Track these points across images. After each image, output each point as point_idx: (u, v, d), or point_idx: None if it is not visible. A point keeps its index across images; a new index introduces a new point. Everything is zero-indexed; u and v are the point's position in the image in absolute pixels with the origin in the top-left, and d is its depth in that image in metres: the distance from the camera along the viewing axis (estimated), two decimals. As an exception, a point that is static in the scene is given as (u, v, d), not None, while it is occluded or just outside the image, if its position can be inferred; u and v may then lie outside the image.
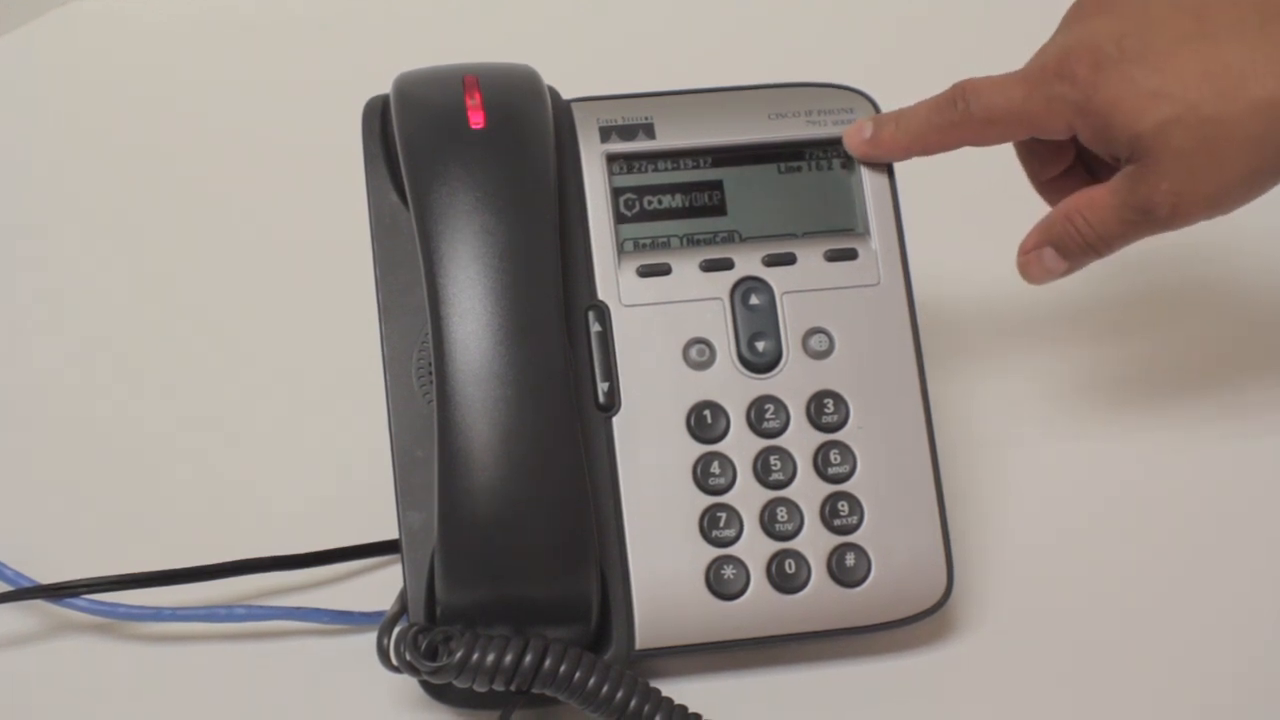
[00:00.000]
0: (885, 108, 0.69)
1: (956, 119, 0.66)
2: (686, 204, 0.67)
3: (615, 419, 0.65)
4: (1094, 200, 0.66)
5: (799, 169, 0.68)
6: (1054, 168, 0.70)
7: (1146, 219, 0.65)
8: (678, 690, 0.64)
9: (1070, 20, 0.67)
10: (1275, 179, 0.64)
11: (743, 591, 0.65)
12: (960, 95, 0.66)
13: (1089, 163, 0.69)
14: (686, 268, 0.67)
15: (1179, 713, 0.67)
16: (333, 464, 0.74)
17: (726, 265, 0.67)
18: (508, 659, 0.61)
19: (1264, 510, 0.73)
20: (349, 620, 0.68)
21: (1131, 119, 0.63)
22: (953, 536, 0.66)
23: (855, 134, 0.67)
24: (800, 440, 0.66)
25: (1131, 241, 0.66)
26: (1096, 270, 0.81)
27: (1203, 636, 0.69)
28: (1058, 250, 0.67)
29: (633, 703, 0.62)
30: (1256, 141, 0.63)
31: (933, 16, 0.94)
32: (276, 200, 0.86)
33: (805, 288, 0.67)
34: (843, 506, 0.65)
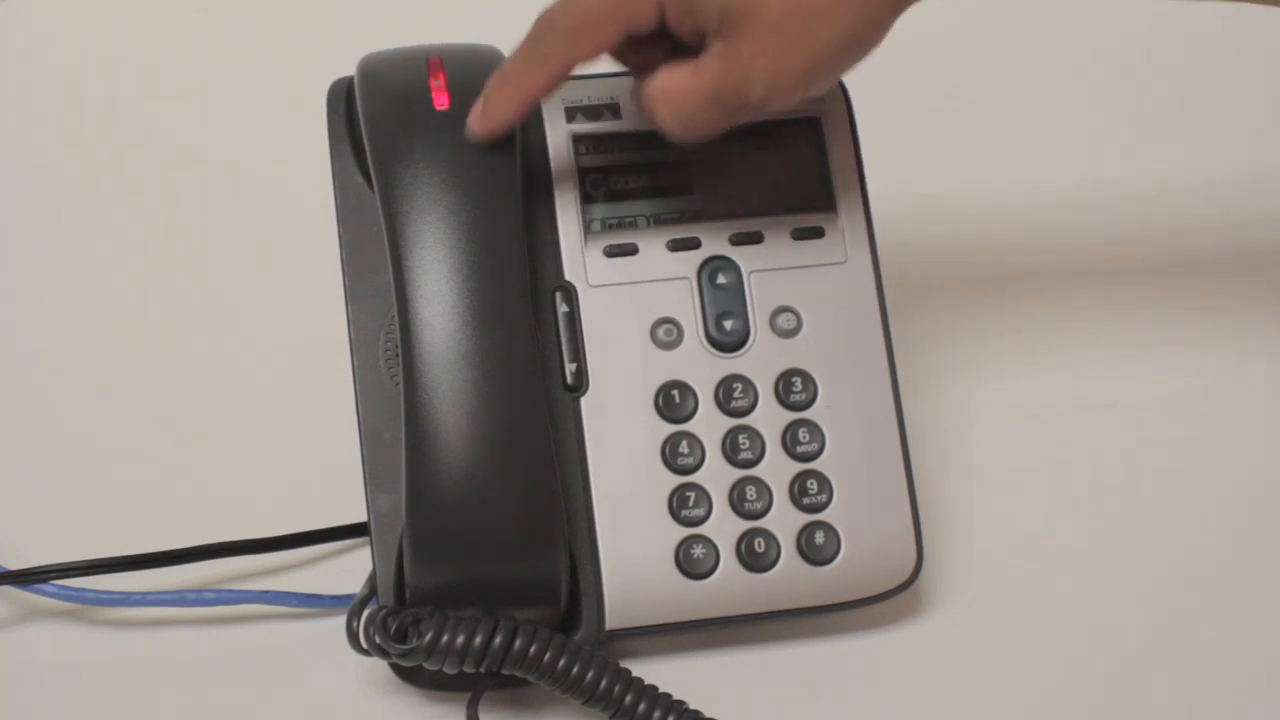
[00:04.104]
0: (855, 90, 0.69)
1: (549, 49, 0.61)
2: (653, 184, 0.67)
3: (583, 399, 0.65)
4: (682, 86, 0.61)
5: (765, 148, 0.68)
6: (650, 60, 0.63)
7: (739, 104, 0.60)
8: (648, 670, 0.64)
9: None
10: (863, 50, 0.60)
11: (712, 571, 0.65)
12: (546, 25, 0.61)
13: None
14: (654, 247, 0.67)
15: (1146, 689, 0.67)
16: (301, 447, 0.74)
17: (694, 244, 0.67)
18: (477, 640, 0.61)
19: (1234, 485, 0.74)
20: (318, 603, 0.68)
21: None
22: (921, 514, 0.66)
23: (472, 118, 0.63)
24: (769, 419, 0.66)
25: (721, 130, 0.62)
26: (1065, 251, 0.82)
27: (1171, 613, 0.69)
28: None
29: (603, 683, 0.62)
30: (845, 6, 0.59)
31: None
32: (242, 184, 0.85)
33: (773, 266, 0.67)
34: (811, 485, 0.65)
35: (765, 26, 0.59)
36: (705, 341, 0.66)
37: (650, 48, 0.62)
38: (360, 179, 0.66)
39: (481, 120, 0.63)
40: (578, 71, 0.62)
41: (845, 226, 0.67)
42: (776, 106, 0.61)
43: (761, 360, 0.66)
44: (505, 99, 0.62)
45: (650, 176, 0.67)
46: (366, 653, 0.62)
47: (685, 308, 0.66)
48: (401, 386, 0.61)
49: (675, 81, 0.61)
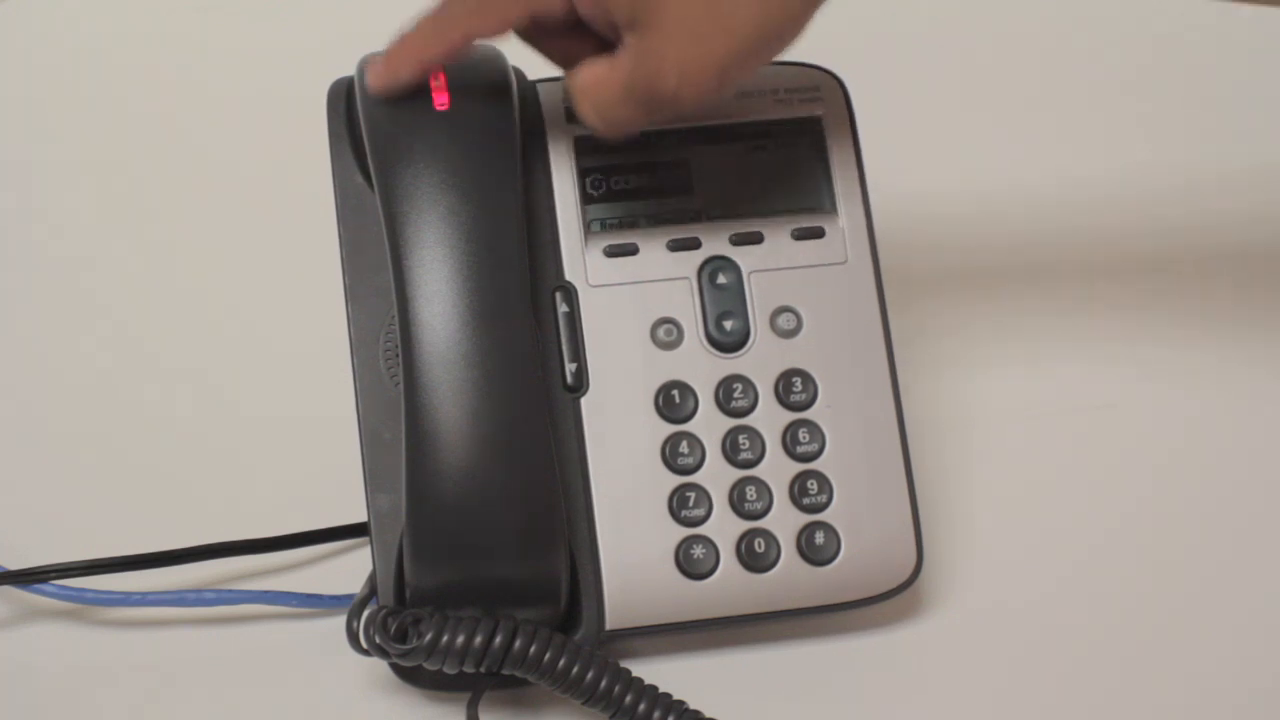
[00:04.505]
0: (856, 90, 0.69)
1: (453, 18, 0.62)
2: (653, 184, 0.67)
3: (583, 400, 0.65)
4: (598, 79, 0.61)
5: (766, 148, 0.68)
6: (572, 54, 0.63)
7: (652, 98, 0.60)
8: (648, 670, 0.64)
9: None
10: (780, 43, 0.60)
11: (712, 571, 0.65)
12: None
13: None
14: (654, 247, 0.67)
15: (1146, 688, 0.67)
16: (301, 447, 0.74)
17: (694, 245, 0.67)
18: (477, 640, 0.61)
19: (1234, 485, 0.74)
20: (319, 603, 0.68)
21: None
22: (922, 514, 0.66)
23: (371, 72, 0.64)
24: (769, 419, 0.66)
25: (645, 125, 0.62)
26: (1066, 251, 0.82)
27: (1171, 612, 0.69)
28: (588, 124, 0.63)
29: (603, 683, 0.62)
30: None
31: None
32: (243, 184, 0.85)
33: (773, 266, 0.67)
34: (812, 485, 0.65)
35: (675, 19, 0.59)
36: (705, 341, 0.66)
37: (575, 41, 0.62)
38: (360, 179, 0.66)
39: (380, 77, 0.63)
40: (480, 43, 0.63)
41: (845, 226, 0.67)
42: (692, 100, 0.60)
43: (761, 360, 0.66)
44: (404, 60, 0.63)
45: (650, 176, 0.67)
46: (366, 653, 0.62)
47: (685, 308, 0.66)
48: (401, 386, 0.61)
49: (593, 75, 0.61)
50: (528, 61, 0.67)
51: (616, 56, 0.61)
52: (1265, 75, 0.91)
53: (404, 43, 0.63)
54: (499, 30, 0.62)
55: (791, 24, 0.60)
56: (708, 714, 0.63)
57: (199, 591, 0.68)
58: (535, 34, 0.63)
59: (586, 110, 0.62)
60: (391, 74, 0.63)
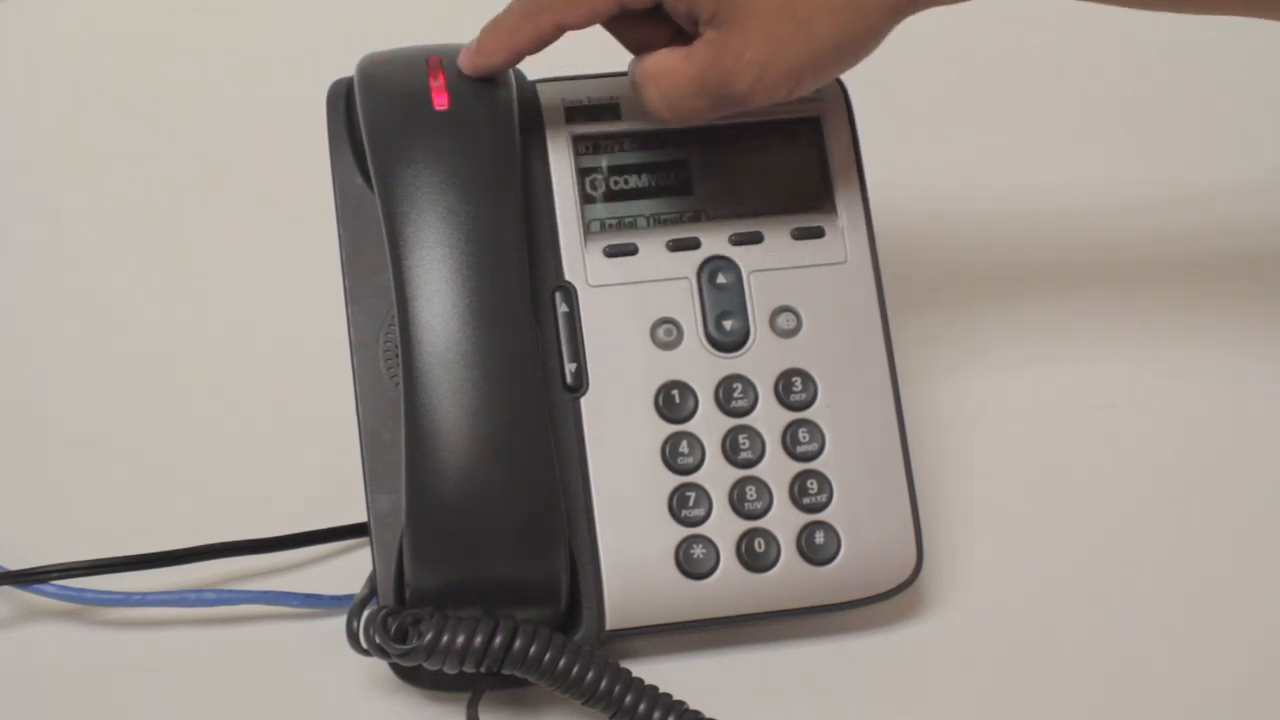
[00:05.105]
0: (855, 90, 0.69)
1: (544, 6, 0.62)
2: (653, 184, 0.67)
3: (583, 400, 0.65)
4: (671, 69, 0.61)
5: (765, 148, 0.68)
6: (651, 44, 0.63)
7: (724, 94, 0.61)
8: (648, 670, 0.64)
9: None
10: (856, 55, 0.61)
11: (712, 571, 0.65)
12: None
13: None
14: (653, 247, 0.67)
15: (1146, 688, 0.67)
16: (301, 447, 0.74)
17: (693, 245, 0.67)
18: (477, 640, 0.61)
19: (1234, 485, 0.74)
20: (319, 604, 0.68)
21: None
22: (921, 514, 0.66)
23: (464, 55, 0.65)
24: (769, 419, 0.66)
25: (707, 119, 0.62)
26: (1066, 251, 0.82)
27: (1171, 612, 0.69)
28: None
29: (603, 683, 0.62)
30: (841, 9, 0.60)
31: None
32: (242, 184, 0.85)
33: (772, 266, 0.67)
34: (812, 485, 0.65)
35: (758, 20, 0.59)
36: (705, 341, 0.66)
37: (650, 28, 0.63)
38: (360, 179, 0.66)
39: (472, 58, 0.64)
40: (569, 35, 0.63)
41: (845, 226, 0.67)
42: (762, 101, 0.61)
43: (761, 360, 0.66)
44: (497, 44, 0.63)
45: (650, 176, 0.67)
46: (366, 653, 0.62)
47: (685, 308, 0.66)
48: (401, 386, 0.61)
49: (666, 64, 0.62)
50: (527, 62, 0.67)
51: (693, 49, 0.61)
52: (1260, 80, 0.91)
53: (495, 27, 0.64)
54: (589, 21, 0.62)
55: (870, 37, 0.61)
56: (708, 714, 0.63)
57: (199, 591, 0.68)
58: (615, 21, 0.63)
59: (654, 96, 0.62)
60: (484, 58, 0.64)
